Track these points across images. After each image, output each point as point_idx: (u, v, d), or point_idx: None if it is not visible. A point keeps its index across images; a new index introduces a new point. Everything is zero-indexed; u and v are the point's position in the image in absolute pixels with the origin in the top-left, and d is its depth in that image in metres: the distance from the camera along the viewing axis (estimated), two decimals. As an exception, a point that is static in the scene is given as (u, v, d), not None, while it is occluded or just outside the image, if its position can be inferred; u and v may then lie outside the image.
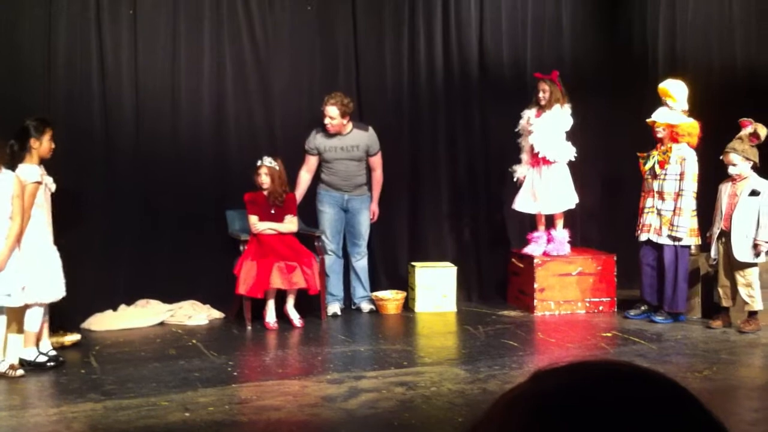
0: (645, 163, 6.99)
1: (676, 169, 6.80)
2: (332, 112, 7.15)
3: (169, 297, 7.14)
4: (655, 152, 6.94)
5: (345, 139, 7.31)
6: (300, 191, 7.37)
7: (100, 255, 6.90)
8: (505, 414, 0.72)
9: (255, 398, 4.96)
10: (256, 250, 6.81)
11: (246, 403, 4.90)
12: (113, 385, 5.21)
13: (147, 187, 7.15)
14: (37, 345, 5.65)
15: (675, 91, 6.85)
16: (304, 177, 7.41)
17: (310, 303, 7.14)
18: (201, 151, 7.36)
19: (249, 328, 6.78)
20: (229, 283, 6.86)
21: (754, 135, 6.57)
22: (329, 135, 7.28)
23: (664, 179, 6.85)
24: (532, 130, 7.31)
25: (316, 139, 7.33)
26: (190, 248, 7.19)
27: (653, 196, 6.93)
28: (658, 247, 6.91)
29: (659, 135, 6.88)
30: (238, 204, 7.08)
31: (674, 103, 6.83)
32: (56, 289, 5.67)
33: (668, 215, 6.84)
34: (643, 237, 6.99)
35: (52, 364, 5.62)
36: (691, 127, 6.82)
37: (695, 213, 6.85)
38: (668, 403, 0.71)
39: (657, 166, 6.87)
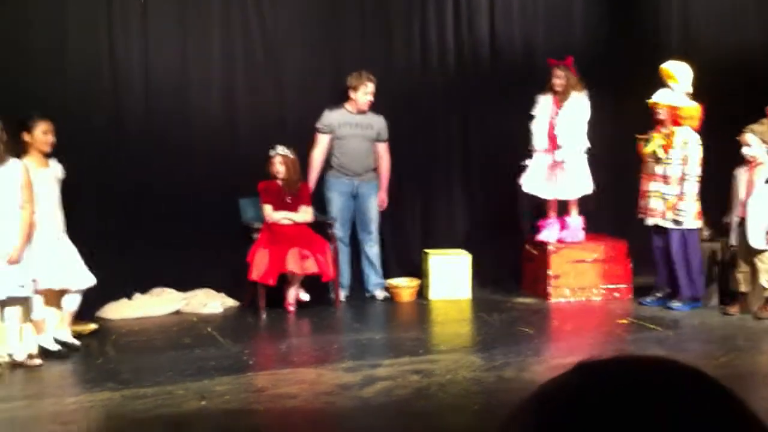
0: (645, 146, 6.93)
1: (680, 153, 6.74)
2: (373, 89, 7.27)
3: (184, 285, 7.16)
4: (656, 135, 6.87)
5: (361, 118, 7.34)
6: (315, 173, 7.37)
7: (115, 244, 6.90)
8: (544, 403, 0.71)
9: (270, 386, 4.97)
10: (269, 238, 6.82)
11: (262, 391, 4.91)
12: (129, 374, 5.23)
13: (159, 176, 7.14)
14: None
15: (678, 72, 6.75)
16: (318, 158, 7.38)
17: (322, 291, 7.14)
18: (213, 140, 7.36)
19: (263, 316, 6.80)
20: (242, 271, 6.87)
21: None
22: (343, 113, 7.31)
23: (668, 163, 6.79)
24: (555, 123, 7.24)
25: (331, 116, 7.34)
26: (204, 237, 7.20)
27: (657, 180, 6.88)
28: (665, 232, 6.87)
29: (660, 116, 6.80)
30: (250, 192, 7.08)
31: (677, 85, 6.73)
32: (71, 277, 5.73)
33: (673, 200, 6.79)
34: (649, 221, 6.95)
35: (63, 351, 5.67)
36: (694, 110, 6.72)
37: (698, 196, 6.81)
38: (713, 407, 0.69)
39: (661, 150, 6.80)
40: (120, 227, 7.00)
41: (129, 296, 7.00)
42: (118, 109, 7.12)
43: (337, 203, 7.39)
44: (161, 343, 6.06)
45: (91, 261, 5.92)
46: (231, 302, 7.21)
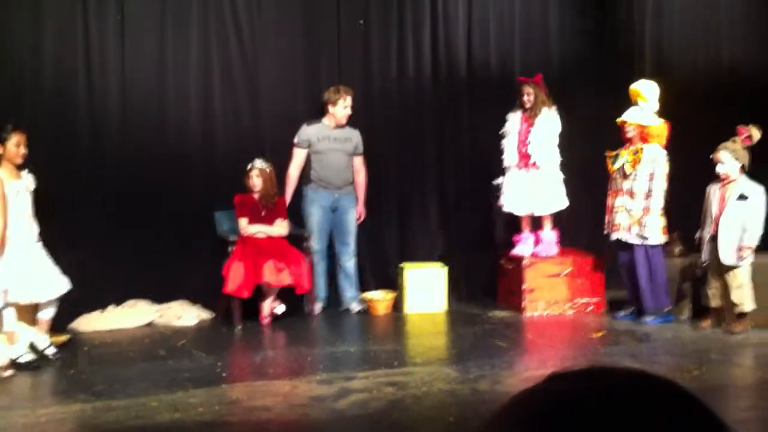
0: (613, 162, 7.07)
1: (648, 169, 6.86)
2: (350, 101, 7.31)
3: (158, 297, 7.12)
4: (624, 151, 7.01)
5: (339, 132, 7.35)
6: (291, 187, 7.37)
7: (88, 255, 6.85)
8: (516, 413, 0.71)
9: (245, 398, 4.95)
10: (244, 251, 6.80)
11: (236, 403, 4.89)
12: (102, 386, 5.19)
13: (135, 188, 7.12)
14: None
15: (646, 91, 6.94)
16: (294, 174, 7.39)
17: (297, 304, 7.13)
18: (189, 152, 7.34)
19: (238, 328, 6.77)
20: (217, 283, 6.84)
21: (748, 137, 6.63)
22: (321, 127, 7.31)
23: (634, 179, 6.91)
24: (530, 141, 7.33)
25: (309, 131, 7.34)
26: (179, 249, 7.17)
27: (623, 195, 7.00)
28: (630, 248, 6.96)
29: (629, 134, 6.96)
30: (226, 205, 7.06)
31: (645, 104, 6.92)
32: (44, 289, 5.68)
33: (638, 214, 6.90)
34: (614, 236, 7.05)
35: (35, 362, 5.62)
36: (661, 128, 6.91)
37: (663, 212, 6.91)
38: (685, 416, 0.70)
39: (628, 166, 6.94)
40: (95, 239, 6.94)
41: (103, 308, 6.94)
42: (95, 120, 7.08)
43: (316, 216, 7.38)
44: (134, 355, 6.02)
45: (65, 272, 5.87)
46: (206, 314, 7.17)
